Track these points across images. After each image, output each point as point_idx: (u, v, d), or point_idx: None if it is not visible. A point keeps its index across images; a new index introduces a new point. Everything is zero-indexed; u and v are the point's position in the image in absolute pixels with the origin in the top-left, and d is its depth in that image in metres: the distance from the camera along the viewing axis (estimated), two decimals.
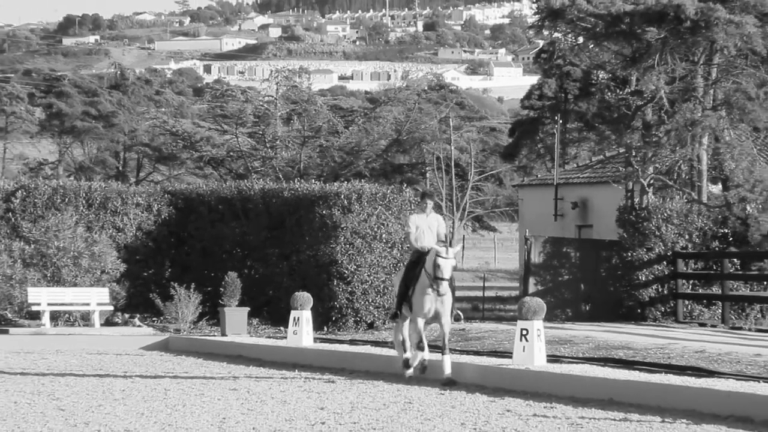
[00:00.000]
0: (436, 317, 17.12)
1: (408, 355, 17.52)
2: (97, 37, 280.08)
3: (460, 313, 17.60)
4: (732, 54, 29.75)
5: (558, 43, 33.16)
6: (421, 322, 17.11)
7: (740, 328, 26.05)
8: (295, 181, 34.15)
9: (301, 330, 22.14)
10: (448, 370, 17.02)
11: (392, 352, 20.53)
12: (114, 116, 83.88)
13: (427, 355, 17.45)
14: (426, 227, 17.37)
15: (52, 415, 13.93)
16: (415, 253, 17.50)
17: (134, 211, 30.42)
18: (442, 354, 17.13)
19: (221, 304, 25.94)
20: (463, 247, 16.29)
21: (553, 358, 18.10)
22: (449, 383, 16.83)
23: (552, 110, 55.66)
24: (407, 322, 17.58)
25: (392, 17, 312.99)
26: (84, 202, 30.08)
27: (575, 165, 45.31)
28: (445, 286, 16.73)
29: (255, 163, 60.18)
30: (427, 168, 73.62)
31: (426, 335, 17.54)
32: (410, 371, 17.55)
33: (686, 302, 28.37)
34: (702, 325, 27.16)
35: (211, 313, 27.48)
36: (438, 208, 76.22)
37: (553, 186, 40.81)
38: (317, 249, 27.94)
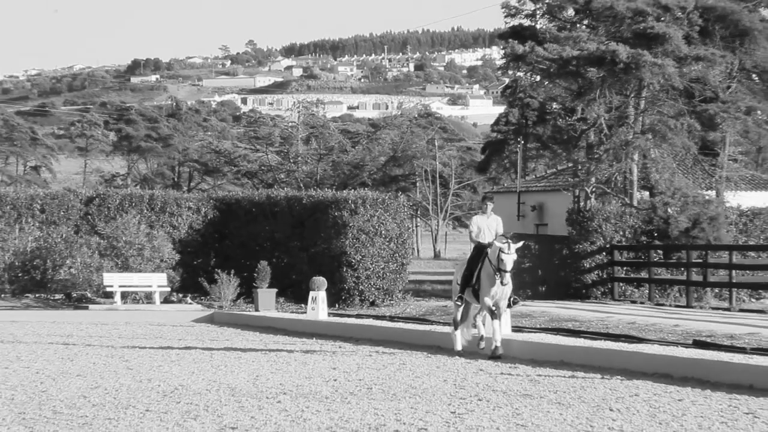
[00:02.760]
0: (498, 301, 15.77)
1: (458, 346, 16.33)
2: (158, 76, 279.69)
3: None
4: (656, 89, 29.79)
5: (520, 80, 33.04)
6: (489, 300, 15.66)
7: (663, 305, 26.06)
8: (313, 189, 34.15)
9: (318, 307, 22.14)
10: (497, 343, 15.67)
11: (389, 324, 20.53)
12: (170, 138, 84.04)
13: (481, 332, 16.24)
14: (486, 227, 16.15)
15: (123, 373, 13.93)
16: (476, 247, 16.16)
17: (186, 213, 30.44)
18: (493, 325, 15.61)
19: (255, 286, 25.94)
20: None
21: (516, 329, 18.09)
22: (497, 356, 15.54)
23: (515, 133, 55.39)
24: (462, 308, 16.39)
25: (389, 60, 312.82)
26: (147, 206, 30.11)
27: (534, 176, 45.25)
28: (508, 277, 15.43)
29: (281, 175, 60.28)
30: (417, 179, 73.64)
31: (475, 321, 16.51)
32: (459, 347, 16.35)
33: (621, 284, 28.40)
34: (633, 302, 27.18)
35: (247, 293, 27.47)
36: (425, 211, 76.43)
37: (516, 193, 40.79)
38: (330, 243, 27.93)
